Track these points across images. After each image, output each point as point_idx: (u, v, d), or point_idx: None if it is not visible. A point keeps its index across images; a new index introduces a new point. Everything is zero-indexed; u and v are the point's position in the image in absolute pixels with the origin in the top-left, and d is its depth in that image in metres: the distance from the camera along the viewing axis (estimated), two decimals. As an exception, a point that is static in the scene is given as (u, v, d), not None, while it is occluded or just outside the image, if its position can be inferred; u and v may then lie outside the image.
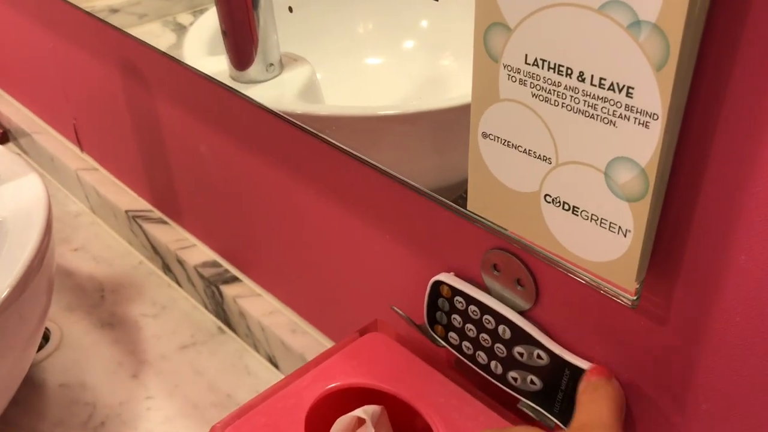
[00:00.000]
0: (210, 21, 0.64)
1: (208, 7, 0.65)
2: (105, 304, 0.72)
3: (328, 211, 0.53)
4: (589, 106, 0.30)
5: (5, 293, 0.49)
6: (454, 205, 0.40)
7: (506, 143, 0.34)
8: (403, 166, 0.46)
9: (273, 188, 0.58)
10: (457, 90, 0.54)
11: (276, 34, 0.57)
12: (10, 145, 0.99)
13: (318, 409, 0.43)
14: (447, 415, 0.42)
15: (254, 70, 0.58)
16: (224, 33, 0.57)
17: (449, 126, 0.47)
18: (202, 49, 0.63)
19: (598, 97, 0.29)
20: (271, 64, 0.60)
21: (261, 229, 0.62)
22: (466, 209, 0.38)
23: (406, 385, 0.44)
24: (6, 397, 0.56)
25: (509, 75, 0.32)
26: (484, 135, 0.35)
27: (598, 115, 0.30)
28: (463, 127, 0.36)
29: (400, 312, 0.46)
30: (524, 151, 0.33)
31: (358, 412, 0.41)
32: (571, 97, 0.30)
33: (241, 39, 0.59)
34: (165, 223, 0.75)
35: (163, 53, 0.62)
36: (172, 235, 0.73)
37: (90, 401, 0.62)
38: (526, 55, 0.31)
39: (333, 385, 0.44)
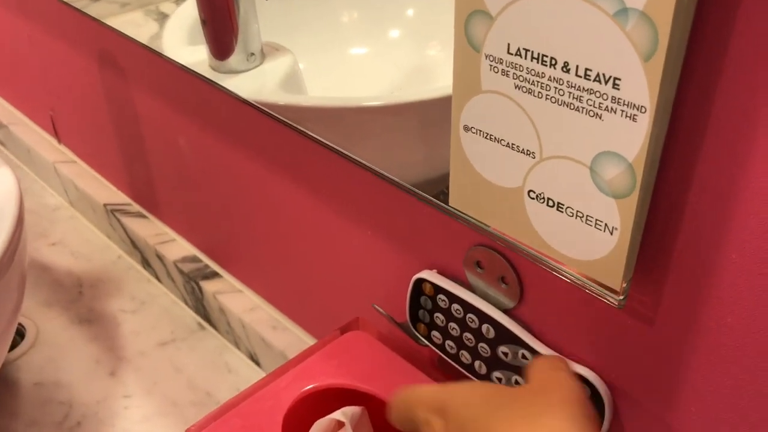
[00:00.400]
0: (190, 10, 0.62)
1: (188, -5, 0.63)
2: (83, 299, 0.71)
3: (309, 206, 0.52)
4: (574, 98, 0.29)
5: (-27, 291, 0.47)
6: (436, 200, 0.39)
7: (488, 137, 0.33)
8: (387, 160, 0.45)
9: (253, 182, 0.56)
10: (444, 80, 0.52)
11: (257, 23, 0.55)
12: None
13: (297, 411, 0.41)
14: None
15: (234, 59, 0.56)
16: (203, 22, 0.56)
17: (435, 117, 0.45)
18: (183, 38, 0.62)
19: (583, 88, 0.28)
20: (252, 54, 0.58)
21: (241, 223, 0.61)
22: (448, 205, 0.37)
23: (387, 384, 0.42)
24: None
25: (491, 65, 0.31)
26: (466, 128, 0.33)
27: (583, 108, 0.28)
28: (449, 119, 0.35)
29: (381, 310, 0.45)
30: (507, 145, 0.32)
31: (337, 414, 0.40)
32: (556, 88, 0.29)
33: (221, 28, 0.58)
34: (144, 217, 0.74)
35: (141, 44, 0.60)
36: (151, 230, 0.72)
37: (66, 400, 0.61)
38: (509, 45, 0.30)
39: (312, 386, 0.42)
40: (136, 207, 0.75)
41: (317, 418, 0.41)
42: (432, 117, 0.46)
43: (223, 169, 0.59)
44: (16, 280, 0.53)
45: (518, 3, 0.29)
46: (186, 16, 0.64)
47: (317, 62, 0.62)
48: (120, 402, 0.60)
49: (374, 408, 0.43)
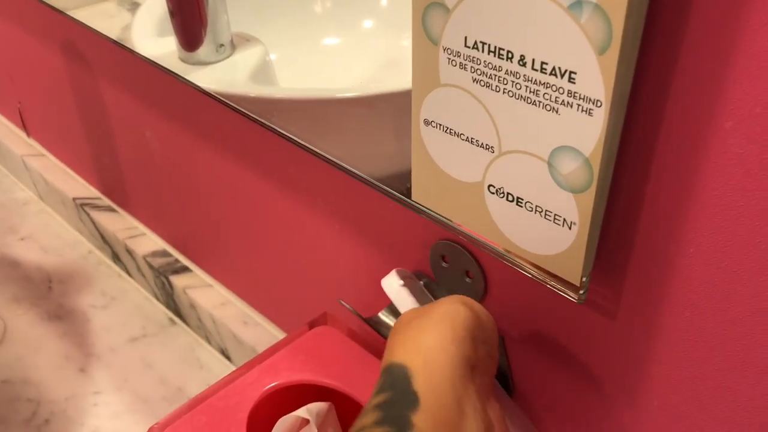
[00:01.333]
0: (160, 0, 0.61)
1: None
2: (52, 295, 0.70)
3: (278, 201, 0.51)
4: (530, 92, 0.28)
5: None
6: (400, 195, 0.38)
7: (448, 131, 0.32)
8: (359, 153, 0.44)
9: (222, 176, 0.55)
10: None
11: (226, 13, 0.54)
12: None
13: (262, 408, 0.41)
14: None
15: (204, 51, 0.55)
16: (171, 13, 0.55)
17: (407, 110, 0.45)
18: (152, 29, 0.60)
19: (539, 82, 0.28)
20: (222, 45, 0.57)
21: (210, 217, 0.60)
22: (411, 200, 0.36)
23: (354, 380, 0.42)
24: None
25: (449, 59, 0.30)
26: (426, 122, 0.33)
27: (540, 102, 0.28)
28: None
29: (348, 306, 0.44)
30: (467, 140, 0.32)
31: (301, 411, 0.39)
32: (513, 82, 0.29)
33: (189, 19, 0.57)
34: (114, 211, 0.73)
35: (106, 36, 0.59)
36: (121, 224, 0.71)
37: (34, 397, 0.60)
38: (466, 38, 0.29)
39: (278, 382, 0.42)
40: (106, 201, 0.74)
41: (283, 415, 0.40)
42: (404, 109, 0.46)
43: (191, 163, 0.58)
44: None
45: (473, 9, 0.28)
46: (156, 6, 0.63)
47: (289, 53, 0.62)
48: (89, 399, 0.60)
49: (342, 404, 0.42)
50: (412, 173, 0.35)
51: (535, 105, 0.28)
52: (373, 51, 0.64)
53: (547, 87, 0.28)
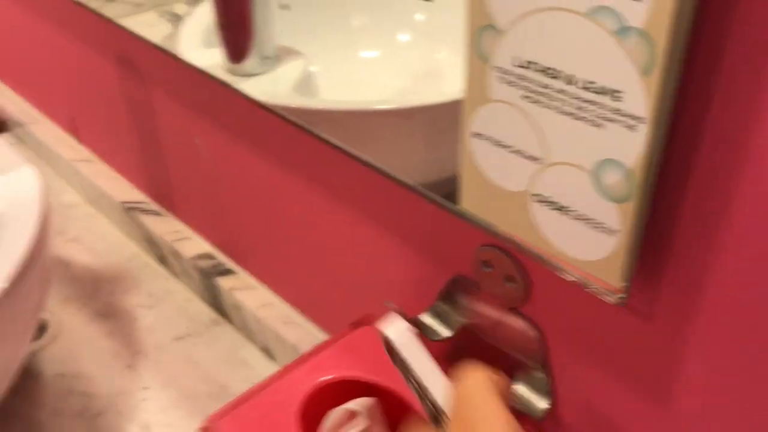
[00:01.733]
0: (206, 12, 0.64)
1: (202, -2, 0.65)
2: (100, 295, 0.73)
3: (321, 204, 0.54)
4: (577, 108, 0.30)
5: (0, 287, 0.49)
6: (446, 202, 0.40)
7: (496, 143, 0.34)
8: (396, 161, 0.47)
9: (267, 182, 0.58)
10: (452, 83, 0.54)
11: (272, 27, 0.57)
12: (6, 135, 0.99)
13: (311, 403, 0.43)
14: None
15: (250, 63, 0.58)
16: (220, 26, 0.58)
17: (445, 120, 0.47)
18: (198, 40, 0.63)
19: (586, 100, 0.30)
20: (267, 57, 0.60)
21: (255, 222, 0.63)
22: (456, 206, 0.38)
23: (399, 377, 0.44)
24: (2, 387, 0.56)
25: (499, 77, 0.33)
26: (475, 135, 0.35)
27: (586, 118, 0.30)
28: (457, 123, 0.37)
29: (393, 306, 0.47)
30: (514, 151, 0.34)
31: (351, 404, 0.42)
32: (560, 99, 0.31)
33: (238, 32, 0.60)
34: (160, 215, 0.76)
35: (158, 46, 0.62)
36: (167, 227, 0.74)
37: (86, 391, 0.63)
38: (516, 58, 0.32)
39: (327, 377, 0.44)
40: (153, 205, 0.77)
41: (331, 409, 0.43)
42: (441, 120, 0.48)
43: (238, 169, 0.61)
44: (40, 277, 0.56)
45: (525, 19, 0.30)
46: (201, 18, 0.66)
47: (329, 65, 0.64)
48: (138, 394, 0.63)
49: (387, 401, 0.45)
50: (461, 182, 0.37)
51: (581, 120, 0.30)
52: (409, 64, 0.66)
53: (592, 104, 0.30)
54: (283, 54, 0.59)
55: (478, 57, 0.33)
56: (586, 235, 0.33)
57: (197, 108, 0.62)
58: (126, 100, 0.72)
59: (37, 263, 0.54)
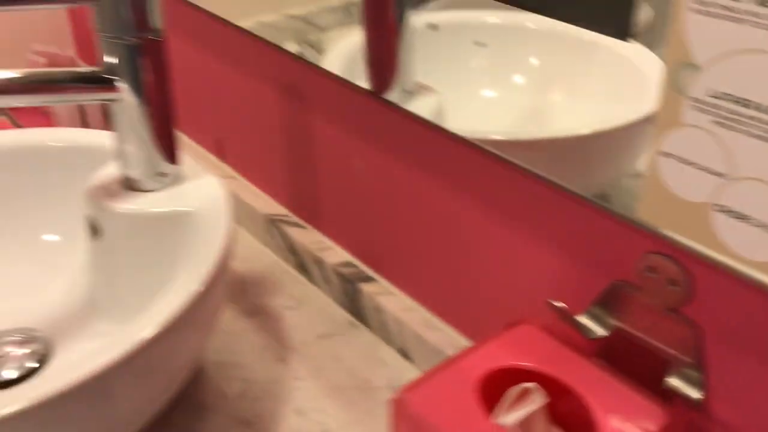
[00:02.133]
0: (347, 45, 0.73)
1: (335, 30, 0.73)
2: (247, 296, 0.81)
3: (470, 216, 0.61)
4: (764, 131, 0.37)
5: (204, 277, 0.57)
6: (618, 212, 0.47)
7: (683, 161, 0.41)
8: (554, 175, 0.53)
9: (416, 193, 0.66)
10: (563, 123, 0.61)
11: (414, 64, 0.65)
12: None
13: (488, 384, 0.50)
14: (609, 401, 0.48)
15: (392, 95, 0.66)
16: (368, 62, 0.66)
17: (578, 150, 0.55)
18: (341, 71, 0.72)
19: (777, 125, 0.36)
20: (408, 91, 0.68)
21: (400, 232, 0.70)
22: (626, 214, 0.45)
23: (566, 369, 0.50)
24: (191, 369, 0.64)
25: (693, 105, 0.40)
26: (663, 153, 0.42)
27: (774, 140, 0.37)
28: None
29: (559, 304, 0.53)
30: (700, 168, 0.41)
31: (528, 384, 0.48)
32: (750, 124, 0.38)
33: (385, 68, 0.68)
34: (303, 227, 0.84)
35: (322, 69, 0.71)
36: (310, 238, 0.82)
37: (244, 377, 0.70)
38: (711, 90, 0.38)
39: (503, 364, 0.51)
40: (295, 218, 0.85)
41: (504, 391, 0.49)
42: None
43: (388, 184, 0.68)
44: (225, 279, 0.63)
45: (724, 59, 0.37)
46: (342, 51, 0.74)
47: (454, 103, 0.72)
48: (291, 383, 0.70)
49: (555, 393, 0.51)
50: (643, 195, 0.44)
51: (769, 142, 0.37)
52: (524, 104, 0.73)
53: (783, 129, 0.36)
54: (417, 89, 0.67)
55: (673, 88, 0.40)
56: (764, 240, 0.39)
57: (353, 128, 0.70)
58: (279, 122, 0.81)
59: (226, 267, 0.62)
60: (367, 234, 0.75)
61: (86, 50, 1.18)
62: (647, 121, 0.42)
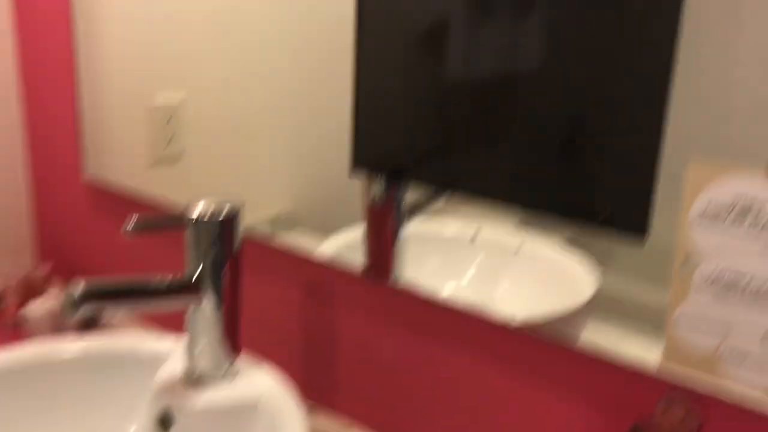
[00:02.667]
0: (343, 238, 0.87)
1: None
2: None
3: (497, 382, 0.74)
4: (753, 298, 0.56)
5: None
6: (643, 364, 0.64)
7: (692, 324, 0.60)
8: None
9: (440, 371, 0.79)
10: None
11: (405, 265, 0.80)
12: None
13: None
14: None
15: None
16: (368, 266, 0.81)
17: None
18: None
19: (760, 292, 0.56)
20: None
21: (418, 400, 0.81)
22: (647, 364, 0.62)
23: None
24: None
25: (695, 287, 0.59)
26: (675, 320, 0.60)
27: (762, 303, 0.56)
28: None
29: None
30: (704, 332, 0.59)
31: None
32: (742, 294, 0.57)
33: (383, 271, 0.83)
34: (314, 408, 0.93)
35: (344, 269, 0.85)
36: (323, 419, 0.90)
37: None
38: (708, 277, 0.58)
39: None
40: (307, 401, 0.94)
41: None
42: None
43: (411, 362, 0.81)
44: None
45: (720, 258, 0.57)
46: (337, 244, 0.88)
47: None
48: None
49: None
50: (665, 349, 0.61)
51: (757, 304, 0.56)
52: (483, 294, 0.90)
53: (766, 298, 0.56)
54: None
55: (680, 277, 0.59)
56: (763, 377, 0.57)
57: (377, 315, 0.84)
58: (299, 315, 0.92)
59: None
60: (386, 407, 0.86)
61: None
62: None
